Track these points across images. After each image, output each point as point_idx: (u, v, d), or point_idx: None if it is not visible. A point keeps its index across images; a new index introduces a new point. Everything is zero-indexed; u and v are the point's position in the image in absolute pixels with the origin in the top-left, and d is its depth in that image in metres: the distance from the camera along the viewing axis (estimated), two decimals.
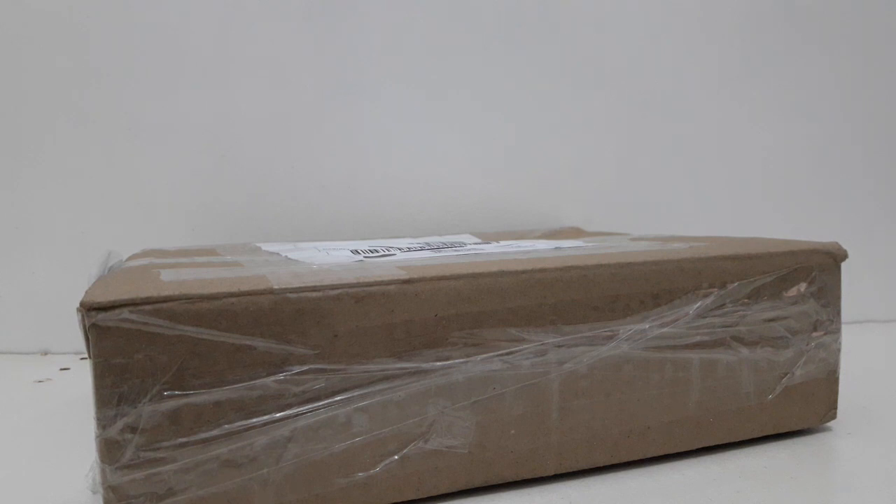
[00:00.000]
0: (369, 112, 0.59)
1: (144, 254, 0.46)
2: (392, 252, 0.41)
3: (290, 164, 0.56)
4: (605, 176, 0.67)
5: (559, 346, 0.32)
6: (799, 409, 0.38)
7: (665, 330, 0.34)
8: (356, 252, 0.42)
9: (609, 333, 0.33)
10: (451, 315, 0.31)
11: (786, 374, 0.37)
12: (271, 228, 0.55)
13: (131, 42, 0.54)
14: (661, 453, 0.35)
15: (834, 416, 0.39)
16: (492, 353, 0.31)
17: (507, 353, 0.32)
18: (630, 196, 0.67)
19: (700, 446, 0.36)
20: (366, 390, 0.29)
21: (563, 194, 0.66)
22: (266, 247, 0.50)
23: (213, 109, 0.55)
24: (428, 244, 0.48)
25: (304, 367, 0.29)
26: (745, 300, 0.36)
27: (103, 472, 0.27)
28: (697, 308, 0.35)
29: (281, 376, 0.28)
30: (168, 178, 0.54)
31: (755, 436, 0.37)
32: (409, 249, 0.43)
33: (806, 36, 0.67)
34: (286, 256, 0.42)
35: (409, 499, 0.31)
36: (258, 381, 0.28)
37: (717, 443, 0.36)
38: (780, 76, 0.67)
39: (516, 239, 0.53)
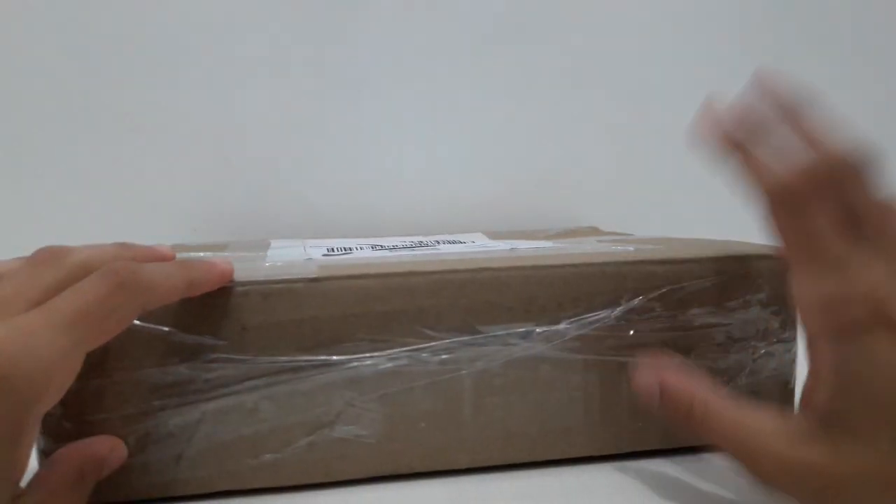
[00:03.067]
0: (370, 112, 0.61)
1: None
2: (355, 249, 0.44)
3: (291, 164, 0.59)
4: (630, 175, 0.66)
5: (471, 345, 0.34)
6: None
7: (585, 332, 0.34)
8: (332, 250, 0.45)
9: (524, 333, 0.34)
10: (360, 313, 0.33)
11: (728, 383, 0.36)
12: (272, 229, 0.59)
13: (131, 42, 0.56)
14: (585, 455, 0.35)
15: None
16: (400, 350, 0.33)
17: (416, 350, 0.33)
18: (651, 196, 0.66)
19: (631, 450, 0.36)
20: (272, 379, 0.32)
21: (582, 194, 0.66)
22: (276, 243, 0.54)
23: (213, 109, 0.58)
24: (422, 242, 0.49)
25: (213, 356, 0.31)
26: (677, 305, 0.35)
27: (38, 439, 0.31)
28: (620, 311, 0.35)
29: (192, 364, 0.31)
30: (169, 178, 0.57)
31: (694, 444, 0.36)
32: (383, 248, 0.45)
33: (810, 35, 0.65)
34: (266, 254, 0.45)
35: (318, 482, 0.33)
36: (171, 368, 0.31)
37: (649, 448, 0.36)
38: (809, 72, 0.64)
39: (525, 238, 0.54)
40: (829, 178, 0.27)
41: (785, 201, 0.28)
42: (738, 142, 0.30)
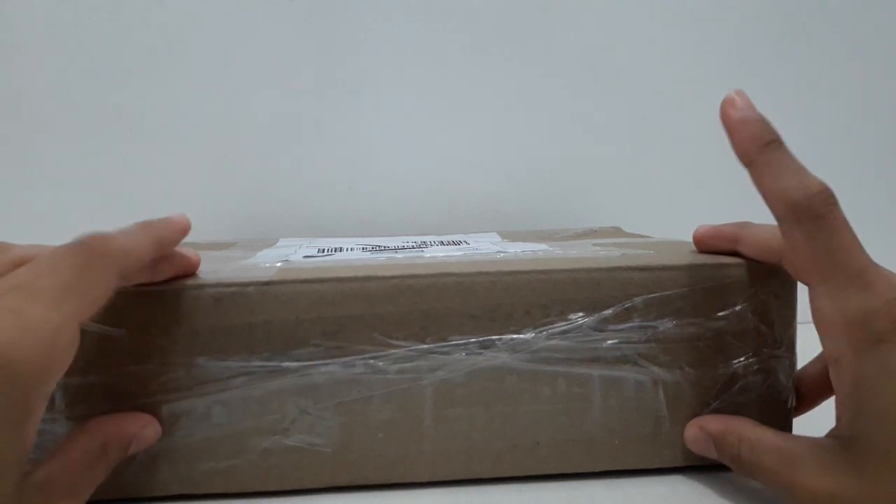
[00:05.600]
0: (374, 113, 0.60)
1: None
2: (345, 250, 0.43)
3: (292, 164, 0.59)
4: (664, 174, 0.63)
5: (431, 353, 0.32)
6: None
7: (555, 342, 0.32)
8: (322, 251, 0.44)
9: (486, 342, 0.32)
10: (313, 318, 0.32)
11: (714, 400, 0.33)
12: (273, 229, 0.59)
13: (131, 42, 0.56)
14: (555, 472, 0.33)
15: None
16: (355, 357, 0.32)
17: (372, 358, 0.32)
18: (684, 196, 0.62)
19: (603, 469, 0.34)
20: (224, 385, 0.31)
21: (611, 194, 0.64)
22: (282, 241, 0.54)
23: (213, 110, 0.58)
24: (424, 243, 0.48)
25: (165, 360, 0.31)
26: (657, 315, 0.33)
27: None
28: (594, 321, 0.32)
29: (143, 366, 0.31)
30: (169, 178, 0.58)
31: (676, 465, 0.34)
32: (374, 249, 0.44)
33: (811, 35, 0.62)
34: (257, 253, 0.44)
35: (273, 489, 0.32)
36: (123, 370, 0.31)
37: (625, 468, 0.34)
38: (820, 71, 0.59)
39: (540, 239, 0.52)
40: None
41: (811, 214, 0.26)
42: (767, 140, 0.28)
